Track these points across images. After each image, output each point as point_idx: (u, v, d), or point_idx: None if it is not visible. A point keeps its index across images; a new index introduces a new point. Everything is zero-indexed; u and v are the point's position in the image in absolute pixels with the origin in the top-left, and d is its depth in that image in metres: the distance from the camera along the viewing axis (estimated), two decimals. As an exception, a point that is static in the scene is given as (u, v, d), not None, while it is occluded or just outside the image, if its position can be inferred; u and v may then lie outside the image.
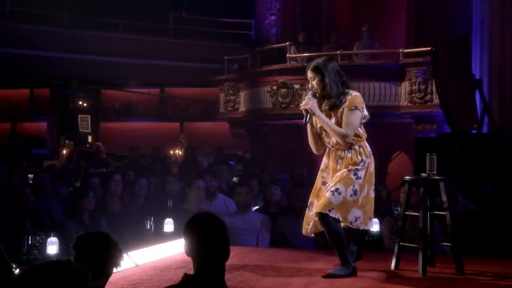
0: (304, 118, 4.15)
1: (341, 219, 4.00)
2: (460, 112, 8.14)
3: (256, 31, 13.29)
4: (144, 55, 13.14)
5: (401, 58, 8.94)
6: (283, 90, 9.53)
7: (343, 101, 4.09)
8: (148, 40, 13.38)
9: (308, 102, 4.09)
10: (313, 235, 4.26)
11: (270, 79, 9.78)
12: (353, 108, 4.05)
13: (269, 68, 9.90)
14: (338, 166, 4.11)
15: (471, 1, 9.86)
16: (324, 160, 4.26)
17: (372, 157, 4.17)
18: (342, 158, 4.11)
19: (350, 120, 4.04)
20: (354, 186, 4.02)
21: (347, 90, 4.14)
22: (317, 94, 4.14)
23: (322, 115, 4.09)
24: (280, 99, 9.58)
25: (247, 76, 10.48)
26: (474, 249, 5.13)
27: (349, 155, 4.08)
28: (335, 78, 4.09)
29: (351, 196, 4.01)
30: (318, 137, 4.23)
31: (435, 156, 4.34)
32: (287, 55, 9.82)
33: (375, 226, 5.51)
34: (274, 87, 9.65)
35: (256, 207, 6.64)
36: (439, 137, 8.37)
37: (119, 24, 13.52)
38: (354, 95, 4.10)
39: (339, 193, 3.99)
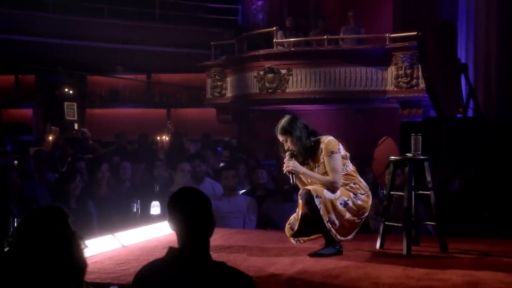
0: (291, 180, 4.26)
1: (321, 212, 4.05)
2: (445, 96, 8.17)
3: (243, 16, 13.25)
4: (130, 40, 13.05)
5: (387, 43, 8.96)
6: (270, 75, 9.53)
7: (319, 150, 4.19)
8: (134, 26, 13.29)
9: (288, 164, 4.20)
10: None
11: (256, 64, 9.77)
12: (330, 154, 4.15)
13: (256, 53, 9.89)
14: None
15: (458, -14, 9.89)
16: None
17: (370, 193, 4.24)
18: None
19: (332, 166, 4.13)
20: (348, 200, 4.13)
21: (318, 138, 4.22)
22: (294, 153, 4.22)
23: (307, 171, 4.22)
24: (267, 84, 9.58)
25: (234, 62, 10.46)
26: (458, 230, 5.18)
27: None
28: (300, 135, 4.18)
29: (340, 204, 4.12)
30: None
31: (420, 137, 4.37)
32: (274, 40, 9.81)
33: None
34: (261, 72, 9.64)
35: (243, 191, 6.67)
36: (424, 121, 8.41)
37: (105, 8, 13.39)
38: (327, 142, 4.19)
39: (333, 192, 4.10)
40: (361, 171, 7.20)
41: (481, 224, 5.47)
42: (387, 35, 9.00)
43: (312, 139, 4.23)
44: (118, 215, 5.92)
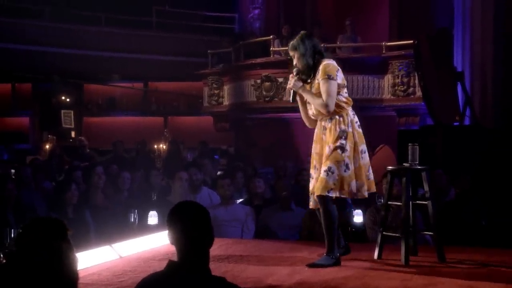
0: (291, 97, 4.35)
1: (344, 195, 4.11)
2: (442, 104, 8.21)
3: (239, 25, 13.28)
4: (127, 49, 13.07)
5: (384, 52, 8.99)
6: (267, 84, 9.54)
7: (317, 71, 4.19)
8: (131, 34, 13.31)
9: (291, 80, 4.27)
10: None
11: (254, 72, 9.79)
12: (326, 77, 4.13)
13: (253, 62, 9.91)
14: (324, 137, 4.21)
15: (453, -6, 9.94)
16: (315, 131, 4.35)
17: (356, 124, 4.21)
18: (325, 129, 4.21)
19: (325, 89, 4.13)
20: (345, 161, 4.11)
21: (321, 59, 4.21)
22: (300, 70, 4.26)
23: (305, 91, 4.23)
24: (264, 93, 9.59)
25: (231, 70, 10.47)
26: (456, 238, 5.18)
27: (330, 125, 4.18)
28: (305, 52, 4.20)
29: (345, 171, 4.11)
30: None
31: (417, 146, 4.38)
32: (271, 48, 9.83)
33: (358, 217, 5.55)
34: (258, 81, 9.65)
35: (241, 200, 6.66)
36: (422, 130, 8.44)
37: (102, 17, 13.41)
38: (325, 64, 4.17)
39: (333, 172, 4.08)
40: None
41: (479, 232, 5.48)
42: (383, 43, 9.03)
43: (317, 57, 4.20)
44: (115, 225, 5.90)
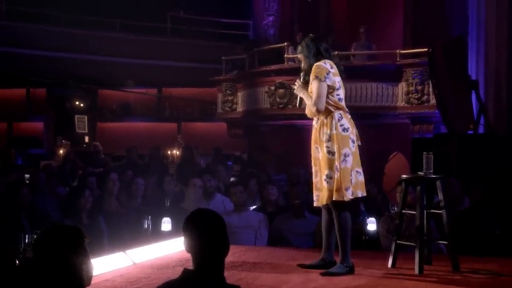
0: (297, 103, 4.50)
1: (352, 196, 4.16)
2: (456, 112, 8.17)
3: (254, 32, 13.31)
4: (142, 54, 13.14)
5: (398, 59, 8.96)
6: (281, 91, 9.54)
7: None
8: (145, 40, 13.38)
9: (296, 85, 4.39)
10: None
11: (268, 79, 9.79)
12: (315, 78, 4.22)
13: (267, 69, 9.92)
14: (313, 136, 4.33)
15: (467, 3, 9.91)
16: None
17: (340, 127, 4.20)
18: (314, 128, 4.32)
19: (313, 90, 4.23)
20: (335, 163, 4.17)
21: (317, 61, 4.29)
22: (304, 71, 4.39)
23: (305, 92, 4.32)
24: (278, 100, 9.59)
25: (245, 77, 10.49)
26: (469, 248, 5.15)
27: (316, 125, 4.29)
28: (309, 54, 4.32)
29: (336, 173, 4.16)
30: None
31: (432, 155, 4.37)
32: (285, 55, 9.83)
33: (371, 225, 5.54)
34: (272, 88, 9.66)
35: (254, 207, 6.66)
36: (435, 138, 8.40)
37: (116, 23, 13.51)
38: (315, 65, 4.26)
39: (331, 177, 4.16)
40: (371, 188, 7.21)
41: (493, 242, 5.43)
42: (397, 51, 9.01)
43: (319, 59, 4.28)
44: (128, 231, 5.92)
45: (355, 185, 4.22)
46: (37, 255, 2.28)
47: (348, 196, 4.16)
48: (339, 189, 4.13)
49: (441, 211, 4.37)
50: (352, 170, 4.20)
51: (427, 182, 4.35)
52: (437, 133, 8.73)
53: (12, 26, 12.37)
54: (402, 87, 8.93)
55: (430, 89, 8.53)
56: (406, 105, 8.91)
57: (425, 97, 8.73)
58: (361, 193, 4.28)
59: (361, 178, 4.29)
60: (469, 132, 8.40)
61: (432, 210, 4.47)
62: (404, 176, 4.52)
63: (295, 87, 4.39)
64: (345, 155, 4.17)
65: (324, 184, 4.17)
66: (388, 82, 9.00)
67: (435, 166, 4.37)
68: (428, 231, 4.46)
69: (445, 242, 4.46)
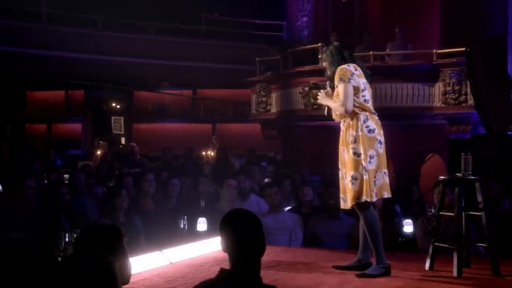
0: (325, 111, 4.54)
1: (376, 197, 4.16)
2: (495, 112, 8.04)
3: (288, 32, 13.29)
4: (177, 56, 13.25)
5: (434, 59, 8.85)
6: (315, 91, 9.51)
7: None
8: (180, 42, 13.49)
9: (319, 95, 4.46)
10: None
11: (302, 80, 9.77)
12: (339, 80, 4.25)
13: (301, 69, 9.89)
14: (340, 138, 4.34)
15: (507, 1, 9.73)
16: None
17: (366, 129, 4.20)
18: (341, 130, 4.34)
19: (340, 92, 4.25)
20: (361, 165, 4.16)
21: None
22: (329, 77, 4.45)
23: (328, 99, 4.38)
24: (312, 100, 9.56)
25: (279, 78, 10.48)
26: (510, 250, 5.05)
27: (343, 127, 4.31)
28: (332, 60, 4.38)
29: (364, 174, 4.14)
30: None
31: (470, 156, 4.30)
32: (319, 56, 9.79)
33: (408, 227, 5.48)
34: (306, 88, 9.63)
35: (289, 207, 6.65)
36: (473, 139, 8.28)
37: (152, 25, 13.66)
38: (339, 68, 4.31)
39: (356, 179, 4.16)
40: (408, 189, 7.13)
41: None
42: (434, 51, 8.89)
43: (341, 64, 4.33)
44: (164, 231, 5.97)
45: (381, 186, 4.21)
46: (77, 253, 2.33)
47: (373, 197, 4.14)
48: (364, 191, 4.13)
49: (480, 213, 4.29)
50: (378, 171, 4.19)
51: (466, 184, 4.28)
52: (475, 134, 8.59)
53: (52, 29, 12.61)
54: (438, 87, 8.81)
55: (468, 89, 8.40)
56: (443, 105, 8.78)
57: (463, 97, 8.60)
58: (386, 194, 4.26)
59: (387, 179, 4.28)
60: (508, 132, 8.25)
61: (471, 212, 4.40)
62: (442, 177, 4.46)
63: (319, 97, 4.44)
64: (370, 157, 4.17)
65: (350, 185, 4.18)
66: (425, 82, 8.88)
67: (473, 168, 4.30)
68: (467, 233, 4.39)
69: (484, 245, 4.39)
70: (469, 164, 4.29)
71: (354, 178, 4.16)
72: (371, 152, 4.18)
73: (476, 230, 4.93)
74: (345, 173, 4.28)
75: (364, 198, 4.13)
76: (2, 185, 7.08)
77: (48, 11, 12.82)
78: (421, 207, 6.51)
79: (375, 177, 4.17)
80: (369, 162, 4.16)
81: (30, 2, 12.55)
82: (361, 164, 4.14)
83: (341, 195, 4.35)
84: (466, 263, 4.33)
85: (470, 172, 4.28)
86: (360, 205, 4.17)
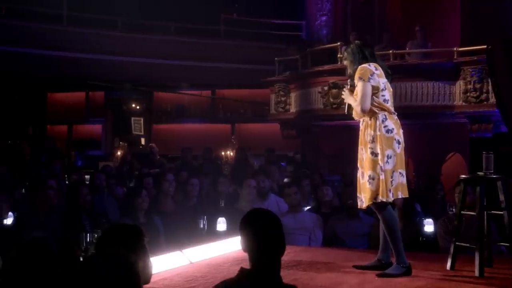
0: (345, 109, 4.49)
1: (392, 197, 4.13)
2: (517, 111, 7.93)
3: (307, 32, 13.26)
4: (196, 57, 13.29)
5: (455, 57, 8.77)
6: (334, 91, 9.47)
7: None
8: (199, 42, 13.53)
9: (343, 93, 4.46)
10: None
11: (321, 79, 9.74)
12: (359, 79, 4.25)
13: (320, 69, 9.86)
14: (359, 137, 4.32)
15: (528, -2, 9.61)
16: None
17: (384, 129, 4.18)
18: (360, 129, 4.33)
19: (359, 91, 4.25)
20: (379, 164, 4.15)
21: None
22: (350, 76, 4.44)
23: (351, 98, 4.35)
24: (331, 100, 9.52)
25: (298, 77, 10.47)
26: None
27: (361, 127, 4.30)
28: (353, 59, 4.37)
29: (381, 174, 4.13)
30: None
31: (492, 155, 4.26)
32: (338, 55, 9.76)
33: (429, 227, 5.44)
34: (325, 88, 9.60)
35: (308, 207, 6.64)
36: (495, 137, 8.19)
37: (171, 26, 13.72)
38: (359, 67, 4.30)
39: (373, 178, 4.15)
40: (431, 189, 7.07)
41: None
42: (454, 49, 8.81)
43: (362, 63, 4.33)
44: (184, 230, 5.99)
45: (397, 187, 4.18)
46: (99, 253, 2.35)
47: (389, 197, 4.12)
48: (380, 191, 4.11)
49: (502, 212, 4.24)
50: (395, 171, 4.17)
51: (487, 183, 4.24)
52: (496, 132, 8.49)
53: (72, 31, 12.73)
54: (459, 85, 8.73)
55: (490, 88, 8.31)
56: (464, 104, 8.70)
57: (484, 95, 8.51)
58: (401, 194, 4.23)
59: (404, 179, 4.25)
60: (531, 131, 8.14)
61: (492, 211, 4.35)
62: (463, 176, 4.42)
63: (343, 94, 4.46)
64: (388, 157, 4.15)
65: (367, 185, 4.17)
66: (445, 80, 8.80)
67: (495, 166, 4.26)
68: (489, 232, 4.34)
69: (506, 244, 4.34)
70: (491, 163, 4.25)
71: (371, 178, 4.16)
72: (389, 152, 4.16)
73: (498, 230, 4.88)
74: (363, 173, 4.27)
75: (380, 198, 4.12)
76: (24, 186, 7.18)
77: (68, 13, 12.94)
78: (442, 206, 6.46)
79: (391, 177, 4.16)
80: (387, 162, 4.14)
81: (51, 4, 12.68)
82: (378, 164, 4.13)
83: (358, 195, 4.34)
84: (488, 263, 4.29)
85: (492, 171, 4.24)
86: (377, 205, 4.16)
